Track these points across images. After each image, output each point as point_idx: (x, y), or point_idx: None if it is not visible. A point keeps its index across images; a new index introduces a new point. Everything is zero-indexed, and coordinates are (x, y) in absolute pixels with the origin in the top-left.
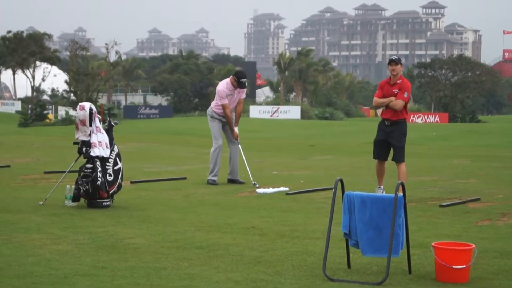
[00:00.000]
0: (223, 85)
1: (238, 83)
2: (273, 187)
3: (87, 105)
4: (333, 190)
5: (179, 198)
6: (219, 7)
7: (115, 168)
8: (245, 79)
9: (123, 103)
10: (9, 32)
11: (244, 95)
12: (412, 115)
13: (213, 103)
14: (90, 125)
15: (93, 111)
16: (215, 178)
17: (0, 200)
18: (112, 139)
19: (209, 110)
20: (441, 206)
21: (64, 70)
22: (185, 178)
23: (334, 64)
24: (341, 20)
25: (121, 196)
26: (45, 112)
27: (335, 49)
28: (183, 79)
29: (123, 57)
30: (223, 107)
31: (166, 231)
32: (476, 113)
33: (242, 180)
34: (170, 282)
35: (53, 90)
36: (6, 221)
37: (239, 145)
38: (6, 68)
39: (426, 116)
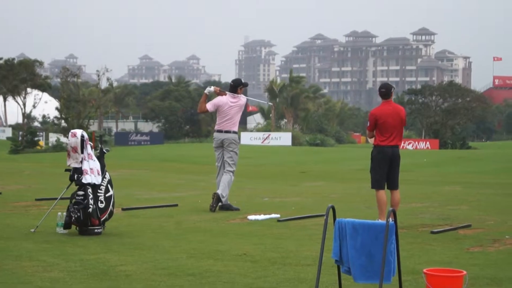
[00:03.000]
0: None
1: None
2: (264, 214)
3: (78, 132)
4: (325, 217)
5: (171, 225)
6: (210, 34)
7: (107, 195)
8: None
9: (114, 129)
10: (0, 59)
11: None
12: (402, 142)
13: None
14: (82, 152)
15: (85, 138)
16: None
17: None
18: (104, 166)
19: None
20: (432, 232)
21: (55, 97)
22: (176, 205)
23: (325, 90)
24: (331, 47)
25: (112, 223)
26: (36, 138)
27: (326, 76)
28: (174, 106)
29: (114, 84)
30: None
31: (158, 258)
32: (466, 140)
33: (236, 207)
34: None
35: (44, 116)
36: None
37: (231, 174)
38: None
39: (416, 142)
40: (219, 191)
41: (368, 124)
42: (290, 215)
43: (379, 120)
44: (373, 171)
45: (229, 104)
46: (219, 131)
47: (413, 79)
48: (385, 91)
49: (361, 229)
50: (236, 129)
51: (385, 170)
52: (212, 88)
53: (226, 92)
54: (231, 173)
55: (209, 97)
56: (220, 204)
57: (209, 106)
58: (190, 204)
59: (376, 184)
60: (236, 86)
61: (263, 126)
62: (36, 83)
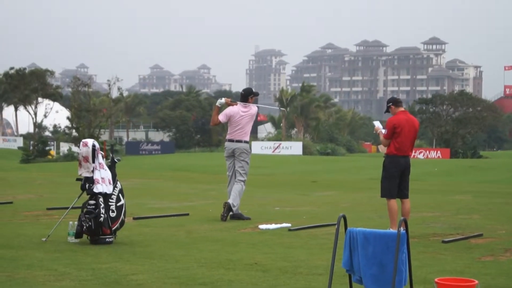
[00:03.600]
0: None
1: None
2: (275, 223)
3: (90, 141)
4: (336, 226)
5: (182, 234)
6: (220, 43)
7: (118, 204)
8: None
9: (125, 139)
10: (11, 68)
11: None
12: (414, 151)
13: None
14: (93, 162)
15: (96, 148)
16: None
17: (2, 237)
18: (115, 175)
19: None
20: (444, 242)
21: (66, 107)
22: (187, 214)
23: (336, 100)
24: (342, 56)
25: (123, 233)
26: (47, 148)
27: (337, 85)
28: (184, 115)
29: (125, 94)
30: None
31: (169, 267)
32: (477, 149)
33: (247, 216)
34: None
35: (55, 126)
36: (9, 257)
37: (242, 183)
38: (8, 104)
39: (428, 151)
40: (230, 201)
41: (386, 132)
42: (301, 224)
43: (397, 129)
44: (386, 180)
45: (240, 113)
46: (231, 140)
47: (424, 88)
48: (397, 99)
49: (372, 239)
50: (247, 138)
51: (397, 179)
52: (223, 100)
53: (238, 102)
54: (242, 183)
55: (221, 109)
56: (231, 213)
57: (221, 117)
58: (201, 213)
59: (388, 194)
60: (246, 96)
61: (273, 136)
62: (47, 92)
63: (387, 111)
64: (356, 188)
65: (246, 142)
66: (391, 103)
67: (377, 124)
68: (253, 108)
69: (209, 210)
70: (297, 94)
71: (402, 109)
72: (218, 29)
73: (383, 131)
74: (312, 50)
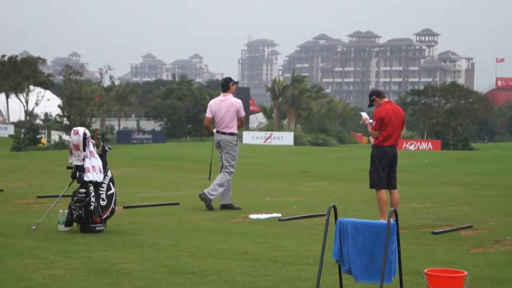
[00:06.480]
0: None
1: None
2: (266, 213)
3: (81, 130)
4: (326, 217)
5: (172, 224)
6: (213, 33)
7: (109, 193)
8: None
9: (116, 128)
10: (3, 56)
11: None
12: (404, 142)
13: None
14: (84, 150)
15: (87, 136)
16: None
17: None
18: (106, 164)
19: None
20: (434, 233)
21: (57, 95)
22: (178, 204)
23: (328, 90)
24: (334, 47)
25: (114, 221)
26: (38, 136)
27: (329, 76)
28: (176, 105)
29: (117, 82)
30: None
31: (159, 256)
32: (468, 141)
33: (237, 206)
34: None
35: (46, 114)
36: None
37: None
38: (0, 92)
39: (419, 143)
40: (205, 190)
41: (375, 123)
42: (292, 214)
43: (385, 119)
44: (375, 171)
45: (218, 103)
46: (217, 131)
47: (416, 79)
48: (379, 91)
49: (362, 229)
50: (232, 130)
51: (386, 170)
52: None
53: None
54: (226, 173)
55: None
56: (221, 203)
57: (207, 113)
58: (191, 203)
59: (378, 184)
60: (227, 84)
61: (265, 126)
62: (38, 80)
63: (371, 105)
64: (346, 178)
65: (230, 134)
66: (374, 96)
67: (364, 115)
68: (230, 98)
69: (199, 200)
70: (288, 84)
71: (386, 99)
72: (211, 19)
73: (370, 121)
74: (305, 40)
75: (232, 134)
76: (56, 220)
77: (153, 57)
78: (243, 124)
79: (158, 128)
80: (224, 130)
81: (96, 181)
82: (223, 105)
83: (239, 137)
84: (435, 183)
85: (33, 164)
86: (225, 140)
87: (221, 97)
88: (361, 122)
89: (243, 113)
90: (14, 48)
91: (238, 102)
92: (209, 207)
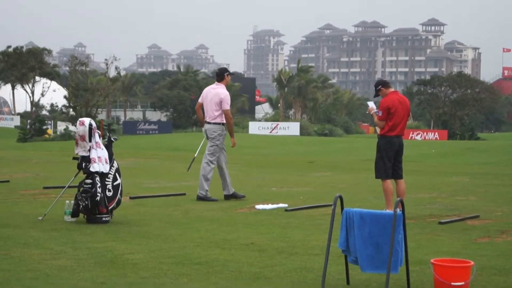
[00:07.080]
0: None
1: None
2: (272, 204)
3: (86, 120)
4: (332, 207)
5: (178, 214)
6: (219, 23)
7: (115, 183)
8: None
9: (122, 118)
10: (9, 47)
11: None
12: (411, 132)
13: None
14: (90, 141)
15: (93, 127)
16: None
17: None
18: (112, 154)
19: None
20: (440, 223)
21: (63, 85)
22: (184, 194)
23: (334, 80)
24: (340, 37)
25: (120, 212)
26: (44, 127)
27: (335, 66)
28: (182, 95)
29: (123, 73)
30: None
31: (165, 247)
32: (475, 131)
33: (241, 194)
34: None
35: (52, 105)
36: (5, 236)
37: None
38: (6, 83)
39: (425, 133)
40: (198, 193)
41: (381, 114)
42: (298, 204)
43: (391, 109)
44: (381, 161)
45: (208, 90)
46: (205, 121)
47: (422, 69)
48: (385, 81)
49: (368, 219)
50: (218, 120)
51: (392, 160)
52: None
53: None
54: (206, 164)
55: None
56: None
57: (200, 98)
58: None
59: (384, 174)
60: (221, 74)
61: (271, 116)
62: (44, 71)
63: (377, 95)
64: (353, 169)
65: (216, 123)
66: (380, 86)
67: (371, 104)
68: (219, 88)
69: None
70: (294, 74)
71: (392, 89)
72: (217, 9)
73: (376, 111)
74: (311, 30)
75: (217, 123)
76: (62, 211)
77: (158, 47)
78: (228, 117)
79: (164, 119)
80: (209, 120)
81: (102, 172)
82: (210, 94)
83: (245, 127)
84: (442, 173)
85: (39, 155)
86: (211, 130)
87: (214, 85)
88: (367, 112)
89: (226, 106)
90: (20, 39)
91: (223, 94)
92: (210, 199)
